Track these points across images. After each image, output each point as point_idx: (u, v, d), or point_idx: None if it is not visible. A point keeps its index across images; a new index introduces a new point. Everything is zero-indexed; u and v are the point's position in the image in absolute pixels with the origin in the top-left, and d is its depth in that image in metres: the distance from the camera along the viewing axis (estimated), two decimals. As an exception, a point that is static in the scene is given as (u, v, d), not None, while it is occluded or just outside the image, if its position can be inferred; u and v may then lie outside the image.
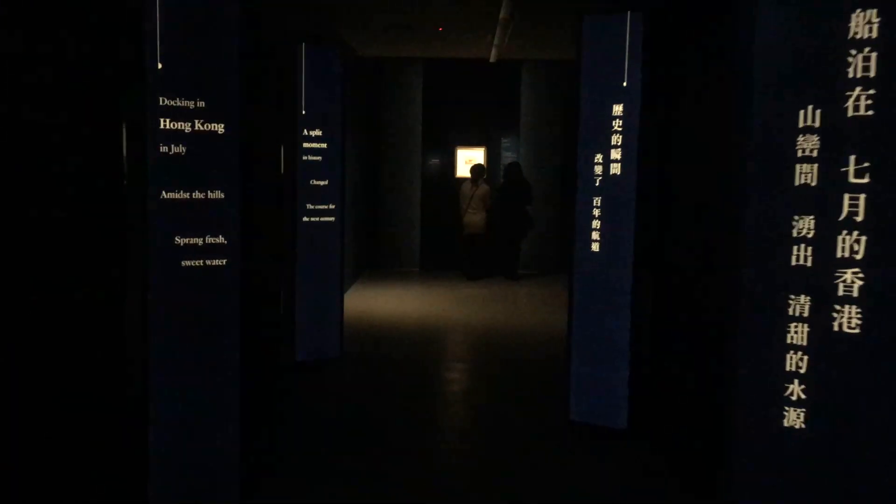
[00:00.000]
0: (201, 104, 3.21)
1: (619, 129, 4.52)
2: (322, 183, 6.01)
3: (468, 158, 11.72)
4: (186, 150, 3.19)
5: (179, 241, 3.21)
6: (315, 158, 5.97)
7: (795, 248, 1.89)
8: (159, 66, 3.11)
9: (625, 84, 4.49)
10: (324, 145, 5.99)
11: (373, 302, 8.93)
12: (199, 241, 3.25)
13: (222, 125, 3.25)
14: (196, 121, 3.21)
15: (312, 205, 5.99)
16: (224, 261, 3.29)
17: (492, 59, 9.63)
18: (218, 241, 3.28)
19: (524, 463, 4.28)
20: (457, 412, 5.21)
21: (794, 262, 1.90)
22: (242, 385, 3.44)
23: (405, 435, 4.66)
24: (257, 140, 5.03)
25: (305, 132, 5.91)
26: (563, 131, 11.60)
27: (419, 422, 4.91)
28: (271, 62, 5.59)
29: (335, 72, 6.02)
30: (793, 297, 1.91)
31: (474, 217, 10.68)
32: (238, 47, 3.29)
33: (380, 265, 11.74)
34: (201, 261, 3.25)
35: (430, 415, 5.09)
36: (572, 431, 4.69)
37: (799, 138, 1.88)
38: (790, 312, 1.93)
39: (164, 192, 3.16)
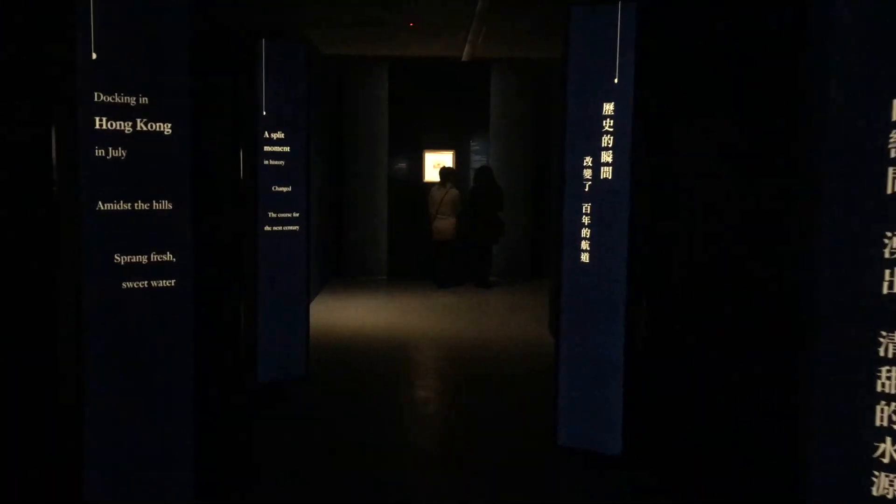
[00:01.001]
0: (144, 100, 2.77)
1: (610, 129, 4.17)
2: (285, 189, 5.57)
3: (436, 162, 11.33)
4: (127, 154, 2.75)
5: (119, 259, 2.76)
6: (277, 163, 5.53)
7: (888, 272, 1.52)
8: (94, 55, 2.66)
9: (616, 81, 4.14)
10: (286, 149, 5.55)
11: (339, 313, 8.48)
12: (143, 259, 2.80)
13: (169, 125, 2.82)
14: (138, 120, 2.77)
15: (275, 213, 5.54)
16: (172, 281, 2.86)
17: (465, 58, 9.25)
18: (165, 258, 2.84)
19: (509, 493, 3.89)
20: (433, 437, 4.81)
21: (885, 290, 1.53)
22: (198, 426, 3.00)
23: (377, 463, 4.25)
24: (212, 143, 4.58)
25: (266, 134, 5.47)
26: (535, 134, 11.28)
27: (391, 448, 4.50)
28: (228, 57, 5.14)
29: (299, 70, 5.59)
30: (884, 333, 1.55)
31: (444, 223, 10.29)
32: (188, 36, 2.86)
33: (346, 273, 11.29)
34: (145, 282, 2.81)
35: (403, 440, 4.68)
36: (561, 457, 4.32)
37: (893, 134, 1.51)
38: (881, 353, 1.56)
39: (100, 203, 2.72)
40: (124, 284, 2.77)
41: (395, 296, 9.83)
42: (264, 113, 5.43)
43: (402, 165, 11.44)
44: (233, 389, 4.76)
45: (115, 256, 2.75)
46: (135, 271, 2.78)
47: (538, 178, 11.21)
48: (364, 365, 6.35)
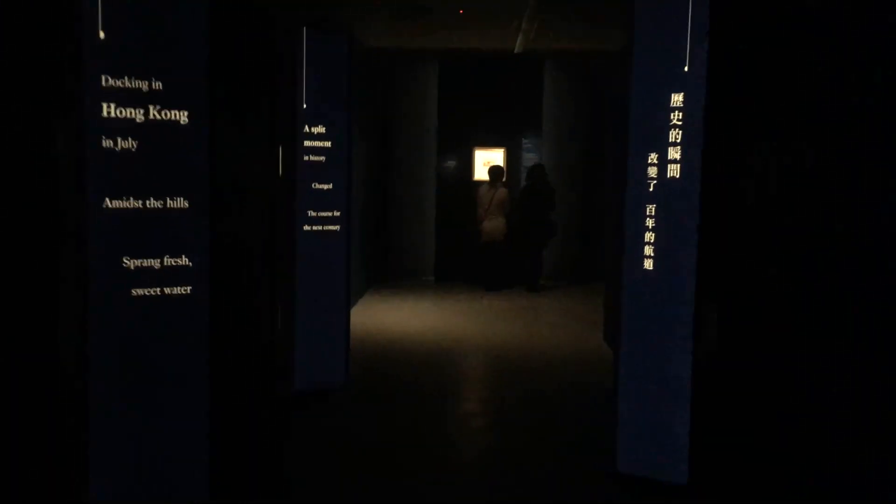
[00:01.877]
0: (158, 85, 2.48)
1: (679, 122, 3.75)
2: (325, 187, 5.27)
3: (486, 160, 10.96)
4: (138, 145, 2.46)
5: (129, 263, 2.47)
6: (317, 159, 5.23)
7: None
8: (101, 34, 2.37)
9: (686, 69, 3.72)
10: (327, 144, 5.25)
11: (383, 317, 8.17)
12: (156, 264, 2.50)
13: (186, 113, 2.51)
14: (151, 107, 2.47)
15: (314, 212, 5.25)
16: (188, 288, 2.55)
17: (517, 50, 8.83)
18: (180, 262, 2.54)
19: (565, 529, 3.52)
20: (480, 457, 4.44)
21: None
22: (214, 440, 2.69)
23: (414, 483, 3.90)
24: (238, 134, 4.29)
25: (306, 129, 5.17)
26: (589, 131, 10.83)
27: (431, 467, 4.16)
28: (262, 43, 4.84)
29: (341, 61, 5.29)
30: None
31: (493, 224, 9.91)
32: (207, 13, 2.55)
33: (391, 276, 10.99)
34: (157, 289, 2.51)
35: (444, 458, 4.33)
36: (620, 485, 3.92)
37: None
38: None
39: (108, 200, 2.43)
40: (134, 291, 2.48)
41: (442, 299, 9.49)
42: (304, 106, 5.14)
43: (451, 163, 11.09)
44: (259, 401, 4.47)
45: (125, 260, 2.46)
46: (146, 277, 2.49)
47: (592, 177, 10.75)
48: (407, 373, 6.03)
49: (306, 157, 5.18)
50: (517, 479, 4.07)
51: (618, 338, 3.99)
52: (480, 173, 10.91)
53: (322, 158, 5.24)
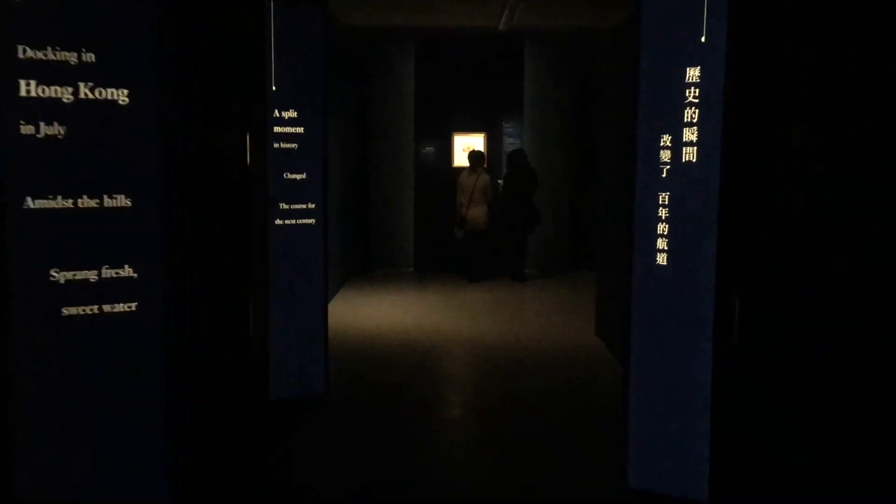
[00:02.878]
0: (90, 58, 2.02)
1: (695, 100, 3.35)
2: (299, 177, 4.82)
3: (466, 145, 10.53)
4: (67, 132, 2.00)
5: (58, 276, 2.02)
6: (289, 146, 4.77)
7: None
8: (15, -6, 1.91)
9: (703, 39, 3.32)
10: (300, 130, 4.80)
11: (363, 313, 7.73)
12: (92, 276, 2.06)
13: (125, 92, 2.06)
14: (81, 85, 2.01)
15: (287, 204, 4.80)
16: (132, 305, 2.10)
17: (502, 27, 8.35)
18: (122, 274, 2.09)
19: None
20: (470, 473, 4.04)
21: None
22: (173, 472, 2.26)
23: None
24: (194, 118, 3.83)
25: (276, 113, 4.71)
26: (573, 114, 10.43)
27: (427, 487, 3.75)
28: (230, 21, 4.37)
29: (315, 38, 4.82)
30: None
31: (475, 212, 9.49)
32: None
33: (370, 267, 10.54)
34: (94, 307, 2.06)
35: (438, 475, 3.93)
36: (633, 503, 3.54)
37: None
38: None
39: (30, 200, 1.98)
40: (65, 311, 2.02)
41: (423, 291, 9.07)
42: (273, 88, 4.67)
43: (430, 149, 10.64)
44: (230, 419, 4.03)
45: (53, 273, 2.01)
46: (80, 293, 2.04)
47: (577, 162, 10.36)
48: (391, 376, 5.60)
49: (277, 145, 4.73)
50: (514, 500, 3.68)
51: (626, 340, 3.60)
52: (460, 159, 10.49)
53: (294, 146, 4.78)
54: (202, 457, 3.09)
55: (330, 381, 5.11)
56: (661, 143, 3.44)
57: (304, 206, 4.84)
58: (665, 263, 3.46)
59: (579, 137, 10.47)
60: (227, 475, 3.82)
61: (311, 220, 4.87)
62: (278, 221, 4.77)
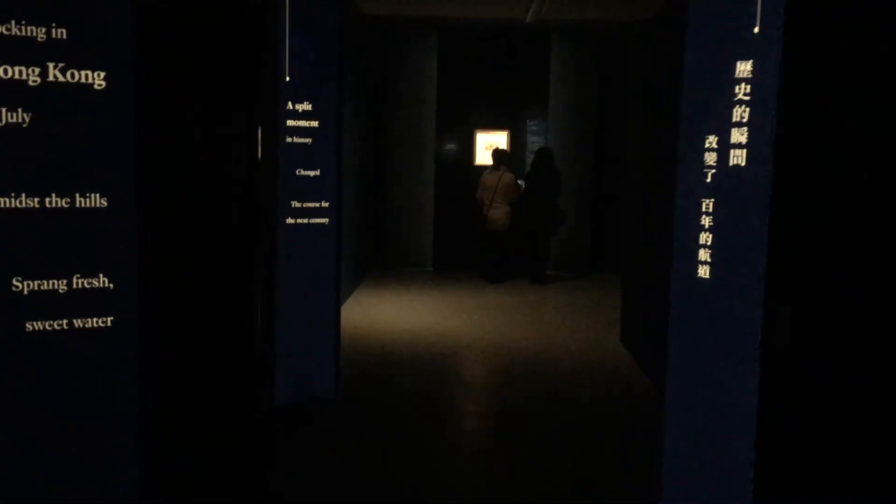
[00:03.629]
0: (60, 34, 1.74)
1: (746, 97, 3.03)
2: (312, 173, 4.55)
3: (489, 143, 10.23)
4: (33, 119, 1.73)
5: (20, 285, 1.75)
6: (303, 140, 4.50)
7: None
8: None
9: (756, 31, 3.00)
10: (314, 124, 4.52)
11: (378, 315, 7.46)
12: (61, 286, 1.79)
13: (101, 74, 1.78)
14: (50, 65, 1.74)
15: (299, 202, 4.53)
16: (108, 319, 1.83)
17: (529, 19, 8.03)
18: (97, 284, 1.82)
19: None
20: (490, 492, 3.75)
21: None
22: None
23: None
24: (214, 114, 3.57)
25: (290, 105, 4.44)
26: (599, 112, 10.10)
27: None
28: (238, 6, 4.10)
29: (332, 26, 4.54)
30: None
31: (497, 212, 9.19)
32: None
33: (387, 265, 10.28)
34: (64, 321, 1.79)
35: (453, 493, 3.64)
36: (665, 538, 3.24)
37: None
38: None
39: (-11, 198, 1.71)
40: (29, 325, 1.76)
41: (442, 292, 8.78)
42: (287, 78, 4.40)
43: (451, 146, 10.35)
44: (226, 429, 3.77)
45: (15, 282, 1.74)
46: (47, 305, 1.77)
47: (603, 161, 10.03)
48: (405, 382, 5.33)
49: (290, 139, 4.46)
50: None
51: (665, 357, 3.29)
52: (483, 157, 10.19)
53: (308, 140, 4.51)
54: (190, 472, 2.83)
55: (341, 387, 4.84)
56: (707, 145, 3.12)
57: (317, 205, 4.57)
58: (707, 276, 3.15)
59: (608, 135, 10.13)
60: (220, 488, 3.55)
61: (325, 220, 4.60)
62: (290, 220, 4.50)
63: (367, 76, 9.20)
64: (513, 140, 10.23)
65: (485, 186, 9.23)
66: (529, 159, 10.10)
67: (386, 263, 10.28)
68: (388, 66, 10.23)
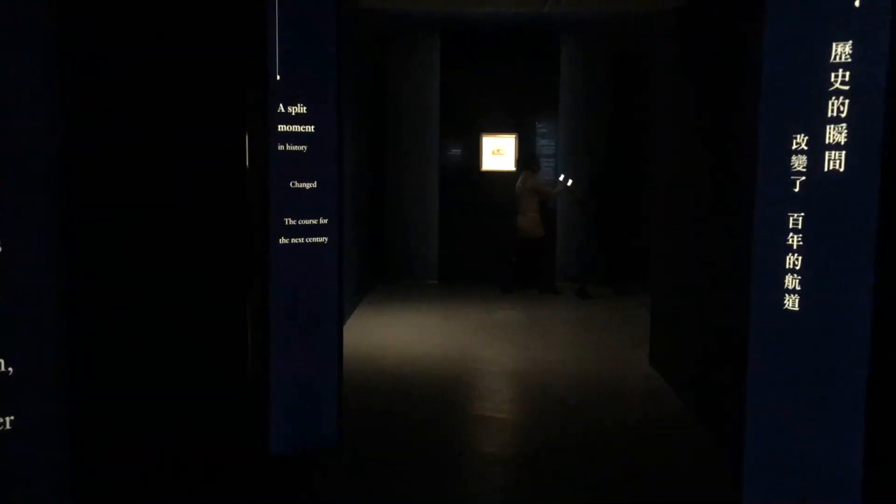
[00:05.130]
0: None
1: (844, 86, 2.45)
2: (308, 185, 3.95)
3: (496, 147, 9.65)
4: None
5: None
6: (297, 148, 3.91)
7: None
8: None
9: (857, 3, 2.42)
10: (310, 129, 3.93)
11: (382, 336, 6.86)
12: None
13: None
14: None
15: (294, 219, 3.93)
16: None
17: (546, 8, 7.36)
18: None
19: None
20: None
21: None
22: None
23: None
24: (190, 116, 3.00)
25: (281, 108, 3.85)
26: (613, 113, 9.51)
27: None
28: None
29: (328, 19, 3.95)
30: None
31: (523, 219, 8.81)
32: None
33: (390, 278, 9.68)
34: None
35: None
36: None
37: None
38: None
39: None
40: None
41: (450, 308, 8.17)
42: (277, 78, 3.81)
43: (457, 151, 9.76)
44: (212, 484, 3.17)
45: None
46: None
47: (618, 166, 9.44)
48: (415, 419, 4.73)
49: (281, 146, 3.86)
50: None
51: (742, 411, 2.70)
52: (489, 163, 9.62)
53: (303, 148, 3.92)
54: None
55: (343, 430, 4.24)
56: (794, 146, 2.54)
57: (314, 222, 3.97)
58: (797, 308, 2.56)
59: (619, 139, 9.56)
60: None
61: (323, 239, 4.01)
62: (283, 240, 3.90)
63: (365, 77, 8.61)
64: (521, 144, 9.64)
65: (515, 193, 8.81)
66: (540, 163, 9.54)
67: (389, 277, 9.69)
68: (387, 66, 9.65)
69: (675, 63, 5.41)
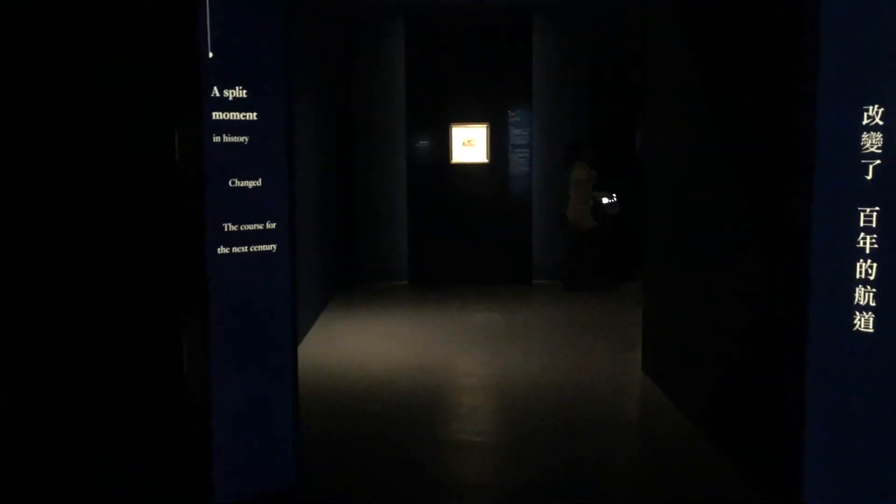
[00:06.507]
0: None
1: (933, 42, 1.89)
2: (251, 184, 3.33)
3: (467, 138, 9.06)
4: None
5: None
6: (236, 139, 3.28)
7: None
8: None
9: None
10: (251, 115, 3.31)
11: (346, 347, 6.23)
12: None
13: None
14: None
15: (235, 224, 3.30)
16: None
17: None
18: None
19: None
20: None
21: None
22: None
23: None
24: (103, 102, 2.38)
25: (215, 92, 3.21)
26: (592, 100, 8.97)
27: None
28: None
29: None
30: None
31: (571, 210, 8.38)
32: None
33: (357, 280, 9.06)
34: None
35: None
36: None
37: None
38: None
39: None
40: None
41: (422, 311, 7.56)
42: (210, 55, 3.17)
43: (425, 143, 9.14)
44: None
45: None
46: None
47: (598, 156, 8.90)
48: (386, 448, 4.12)
49: (217, 138, 3.23)
50: None
51: (797, 450, 2.14)
52: (459, 155, 9.02)
53: (244, 139, 3.29)
54: None
55: (303, 467, 3.63)
56: (865, 121, 1.98)
57: (259, 227, 3.34)
58: (871, 329, 2.00)
59: (603, 127, 9.04)
60: None
61: (271, 247, 3.38)
62: (222, 250, 3.27)
63: (327, 65, 7.96)
64: (493, 134, 9.05)
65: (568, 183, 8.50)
66: (514, 154, 8.99)
67: (356, 278, 9.07)
68: (350, 53, 9.00)
69: (675, 25, 4.80)
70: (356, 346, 6.23)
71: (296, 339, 3.56)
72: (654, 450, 4.09)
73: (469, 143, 9.03)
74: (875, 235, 1.98)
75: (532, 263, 9.03)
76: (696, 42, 4.36)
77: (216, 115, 3.21)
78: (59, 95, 2.69)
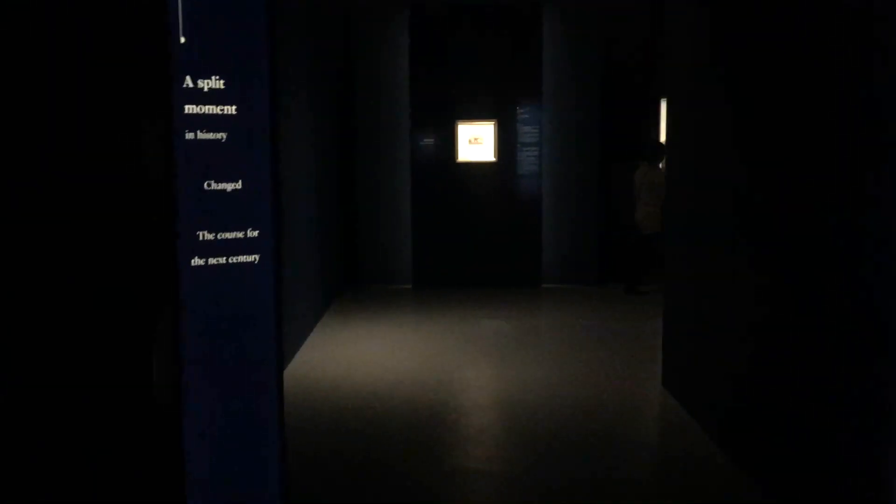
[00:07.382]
0: None
1: None
2: (230, 186, 2.95)
3: (473, 136, 8.68)
4: None
5: None
6: (212, 136, 2.90)
7: None
8: None
9: None
10: (230, 109, 2.93)
11: (345, 358, 5.86)
12: None
13: None
14: None
15: (211, 232, 2.93)
16: None
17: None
18: None
19: None
20: None
21: None
22: None
23: None
24: (61, 94, 2.02)
25: (188, 82, 2.84)
26: (602, 96, 8.59)
27: None
28: None
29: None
30: None
31: (642, 212, 7.93)
32: None
33: (358, 283, 8.71)
34: None
35: None
36: None
37: None
38: None
39: None
40: None
41: (425, 318, 7.19)
42: (182, 39, 2.80)
43: (430, 141, 8.75)
44: None
45: None
46: None
47: (612, 153, 8.53)
48: (384, 474, 3.75)
49: (190, 135, 2.85)
50: None
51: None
52: (465, 153, 8.64)
53: (221, 136, 2.91)
54: None
55: (289, 495, 3.27)
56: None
57: (239, 235, 2.97)
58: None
59: (614, 123, 8.66)
60: None
61: (253, 257, 3.01)
62: (197, 261, 2.90)
63: (328, 60, 7.59)
64: (501, 131, 8.66)
65: (635, 185, 8.04)
66: (522, 153, 8.60)
67: (357, 281, 8.71)
68: (352, 46, 8.64)
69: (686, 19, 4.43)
70: (355, 356, 5.86)
71: (281, 360, 3.19)
72: (673, 473, 3.71)
73: (476, 141, 8.65)
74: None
75: (541, 266, 8.65)
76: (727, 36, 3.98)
77: (189, 109, 2.83)
78: (27, 91, 2.33)
